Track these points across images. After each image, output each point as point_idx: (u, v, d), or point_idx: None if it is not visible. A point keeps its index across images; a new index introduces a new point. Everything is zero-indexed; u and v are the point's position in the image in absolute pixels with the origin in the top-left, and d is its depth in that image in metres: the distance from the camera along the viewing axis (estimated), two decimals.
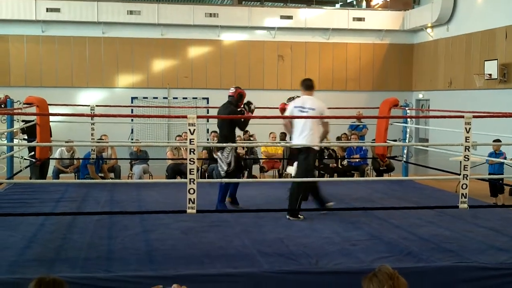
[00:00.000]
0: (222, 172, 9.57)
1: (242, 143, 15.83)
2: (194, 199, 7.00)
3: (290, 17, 30.89)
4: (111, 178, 14.28)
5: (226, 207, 9.59)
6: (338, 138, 17.07)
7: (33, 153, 12.16)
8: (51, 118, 13.23)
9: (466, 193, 7.69)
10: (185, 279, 5.61)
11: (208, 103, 29.28)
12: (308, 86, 9.52)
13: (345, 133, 17.49)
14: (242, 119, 9.71)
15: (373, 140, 13.95)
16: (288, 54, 31.36)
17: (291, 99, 10.31)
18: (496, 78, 24.42)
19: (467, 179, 7.66)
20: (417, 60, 32.14)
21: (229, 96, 9.85)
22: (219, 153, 9.50)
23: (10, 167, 11.62)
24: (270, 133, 16.64)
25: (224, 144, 9.36)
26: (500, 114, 9.49)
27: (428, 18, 29.61)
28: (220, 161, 9.54)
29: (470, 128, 7.61)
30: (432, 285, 6.21)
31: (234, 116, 9.59)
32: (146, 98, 29.70)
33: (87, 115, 10.07)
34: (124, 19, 29.48)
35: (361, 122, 18.59)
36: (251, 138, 17.57)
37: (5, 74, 29.06)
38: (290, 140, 10.11)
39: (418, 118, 25.37)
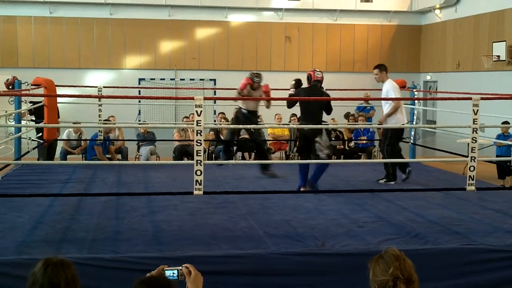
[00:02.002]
0: (323, 155, 9.47)
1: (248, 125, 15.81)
2: (201, 180, 7.00)
3: None
4: (118, 160, 14.31)
5: (316, 187, 9.53)
6: (346, 116, 17.06)
7: (40, 134, 12.18)
8: (59, 99, 13.23)
9: (473, 175, 7.66)
10: (191, 260, 5.61)
11: (215, 84, 29.29)
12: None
13: (352, 115, 17.46)
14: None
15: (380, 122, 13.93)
16: (295, 35, 31.27)
17: (255, 74, 10.63)
18: (505, 60, 24.30)
19: (474, 161, 7.64)
20: (425, 41, 32.00)
21: (316, 80, 9.73)
22: (318, 139, 9.40)
23: (18, 148, 11.65)
24: (276, 115, 16.59)
25: (232, 126, 9.38)
26: (509, 96, 9.47)
27: None
28: (319, 146, 9.42)
29: (478, 110, 7.57)
30: (439, 267, 6.22)
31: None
32: (154, 79, 29.70)
33: (95, 97, 10.10)
34: (131, 0, 29.41)
35: (369, 103, 18.54)
36: (258, 120, 17.55)
37: (13, 55, 29.09)
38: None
39: (425, 100, 25.30)
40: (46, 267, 3.15)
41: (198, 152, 6.97)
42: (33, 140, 11.99)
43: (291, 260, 6.12)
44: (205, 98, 7.07)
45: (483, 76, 25.80)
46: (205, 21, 30.44)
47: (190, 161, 7.89)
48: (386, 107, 10.71)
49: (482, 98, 7.75)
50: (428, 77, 31.63)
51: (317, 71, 9.84)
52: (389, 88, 10.56)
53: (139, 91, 27.31)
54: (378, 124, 11.35)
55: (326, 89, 10.48)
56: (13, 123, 11.60)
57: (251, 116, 11.08)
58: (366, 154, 15.61)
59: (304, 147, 9.80)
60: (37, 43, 29.32)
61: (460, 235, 6.91)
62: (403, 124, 10.83)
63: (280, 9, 30.78)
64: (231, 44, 30.71)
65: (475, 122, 7.58)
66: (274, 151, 16.31)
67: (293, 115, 16.99)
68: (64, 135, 14.57)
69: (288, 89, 10.29)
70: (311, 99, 9.50)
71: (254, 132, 11.55)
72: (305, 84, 9.93)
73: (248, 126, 10.48)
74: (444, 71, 29.79)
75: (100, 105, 13.09)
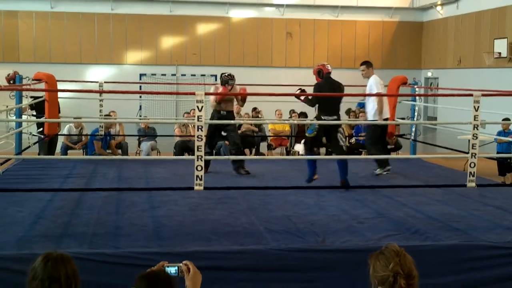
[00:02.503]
0: (345, 147, 9.80)
1: (249, 120, 15.84)
2: (201, 176, 7.00)
3: None
4: (119, 155, 14.30)
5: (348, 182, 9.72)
6: (347, 112, 17.05)
7: (41, 129, 12.18)
8: (60, 94, 13.23)
9: (474, 172, 7.66)
10: (192, 255, 5.62)
11: (216, 80, 29.19)
12: None
13: (353, 111, 17.46)
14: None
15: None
16: (296, 31, 31.24)
17: (229, 77, 10.65)
18: (506, 57, 24.30)
19: (475, 157, 7.63)
20: (426, 38, 31.98)
21: (328, 73, 9.87)
22: (340, 129, 9.73)
23: (19, 143, 11.65)
24: (276, 110, 16.60)
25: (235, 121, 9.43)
26: (510, 92, 9.47)
27: None
28: (341, 135, 9.70)
29: (478, 107, 7.57)
30: (439, 264, 6.22)
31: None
32: (155, 74, 29.68)
33: (96, 92, 10.11)
34: None
35: None
36: (259, 115, 17.55)
37: (14, 50, 29.08)
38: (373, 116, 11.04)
39: (426, 96, 25.30)
40: (46, 262, 3.16)
41: (199, 147, 6.97)
42: (33, 135, 11.99)
43: (292, 256, 6.12)
44: (206, 94, 7.07)
45: (484, 73, 25.78)
46: (206, 17, 30.42)
47: (191, 157, 7.89)
48: (370, 102, 11.09)
49: (483, 95, 7.74)
50: (429, 74, 31.62)
51: (327, 65, 9.95)
52: (372, 83, 10.95)
53: (140, 86, 27.33)
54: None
55: None
56: (14, 117, 11.60)
57: (229, 117, 10.93)
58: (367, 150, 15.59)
59: (321, 138, 9.94)
60: (38, 38, 29.31)
61: (460, 232, 6.91)
62: (387, 118, 11.09)
63: (281, 5, 30.76)
64: (232, 40, 30.69)
65: (476, 119, 7.57)
66: (275, 147, 16.33)
67: (293, 111, 17.01)
68: (65, 130, 14.56)
69: (289, 85, 10.33)
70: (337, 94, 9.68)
71: (232, 135, 11.20)
72: (314, 80, 9.96)
73: (248, 121, 10.44)
74: (445, 68, 29.78)
75: (101, 100, 13.09)
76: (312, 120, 12.91)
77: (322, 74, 9.81)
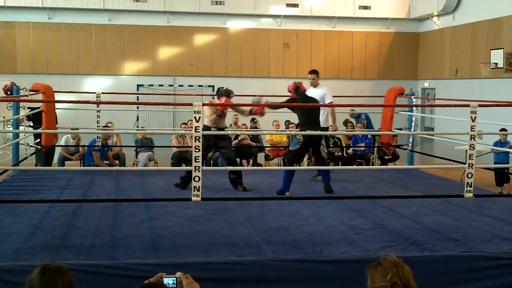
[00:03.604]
0: (325, 155, 10.30)
1: (247, 131, 15.84)
2: (199, 186, 7.00)
3: (296, 5, 30.75)
4: (117, 166, 14.27)
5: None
6: (345, 123, 17.06)
7: (38, 140, 12.16)
8: (57, 105, 13.23)
9: (471, 182, 7.67)
10: (189, 267, 5.62)
11: (213, 91, 29.22)
12: None
13: (351, 122, 17.47)
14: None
15: (378, 129, 13.96)
16: (293, 42, 31.28)
17: (230, 90, 10.75)
18: (502, 67, 24.34)
19: (472, 168, 7.64)
20: (423, 48, 32.03)
21: (304, 91, 10.36)
22: (322, 141, 10.11)
23: (16, 154, 11.64)
24: (274, 121, 16.61)
25: (226, 132, 9.43)
26: (506, 103, 9.48)
27: (434, 6, 29.48)
28: (323, 147, 10.14)
29: (475, 117, 7.58)
30: (437, 274, 6.22)
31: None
32: (152, 85, 29.69)
33: (93, 102, 10.08)
34: (130, 6, 29.42)
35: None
36: (257, 126, 17.56)
37: (12, 61, 29.06)
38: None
39: (423, 106, 25.33)
40: (43, 273, 3.15)
41: (197, 158, 6.97)
42: (31, 146, 11.97)
43: (290, 267, 6.12)
44: (203, 104, 7.08)
45: (480, 83, 25.82)
46: (203, 28, 30.45)
47: (188, 167, 7.88)
48: (322, 112, 11.30)
49: (480, 105, 7.76)
50: (426, 84, 31.65)
51: (302, 84, 10.40)
52: (326, 92, 11.54)
53: (138, 97, 27.33)
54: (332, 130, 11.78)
55: None
56: (11, 128, 11.60)
57: (221, 134, 10.62)
58: (365, 160, 15.59)
59: (305, 149, 10.35)
60: (35, 49, 29.30)
61: (458, 242, 6.91)
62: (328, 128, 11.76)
63: (278, 16, 30.80)
64: (230, 51, 30.72)
65: (473, 129, 7.59)
66: (272, 158, 16.32)
67: (289, 121, 17.04)
68: (62, 141, 14.55)
69: (286, 96, 10.41)
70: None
71: (225, 151, 11.05)
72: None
73: (246, 132, 10.41)
74: (442, 78, 29.82)
75: (98, 111, 13.09)
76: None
77: (300, 91, 10.18)
